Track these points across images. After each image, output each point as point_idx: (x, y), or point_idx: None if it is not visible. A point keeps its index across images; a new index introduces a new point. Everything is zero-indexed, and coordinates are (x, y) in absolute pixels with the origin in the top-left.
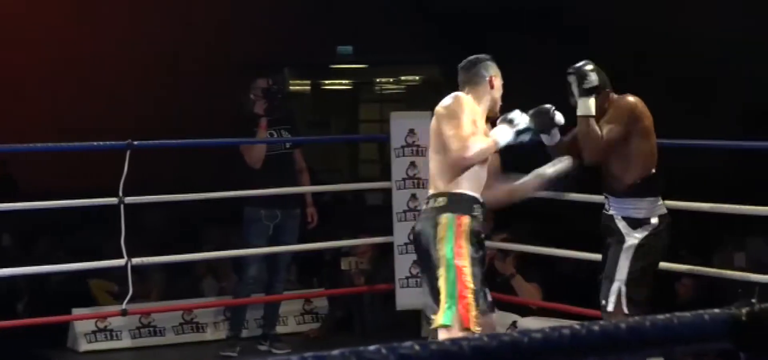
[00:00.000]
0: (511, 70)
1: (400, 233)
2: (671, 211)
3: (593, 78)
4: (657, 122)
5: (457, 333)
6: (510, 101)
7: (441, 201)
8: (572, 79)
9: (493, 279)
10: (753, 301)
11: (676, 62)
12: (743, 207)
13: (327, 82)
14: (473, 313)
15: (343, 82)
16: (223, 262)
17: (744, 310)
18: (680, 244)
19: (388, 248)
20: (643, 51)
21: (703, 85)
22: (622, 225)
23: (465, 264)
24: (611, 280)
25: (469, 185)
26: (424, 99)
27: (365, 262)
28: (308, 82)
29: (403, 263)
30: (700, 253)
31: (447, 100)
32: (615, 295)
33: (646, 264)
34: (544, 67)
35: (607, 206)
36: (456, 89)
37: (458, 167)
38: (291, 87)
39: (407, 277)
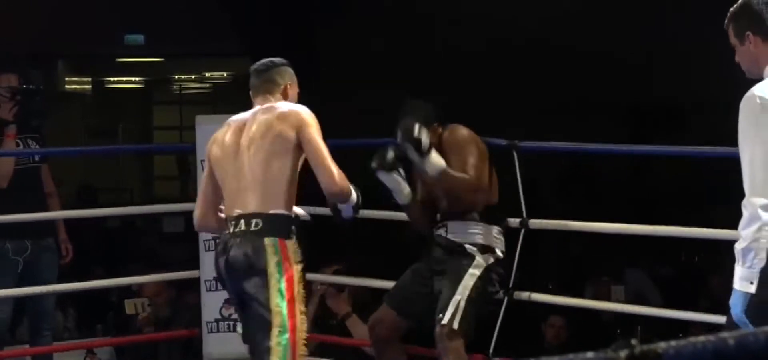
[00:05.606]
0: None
1: (208, 266)
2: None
3: (423, 136)
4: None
5: None
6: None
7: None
8: (406, 148)
9: (325, 321)
10: (633, 341)
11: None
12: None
13: (112, 79)
14: None
15: (133, 79)
16: None
17: (623, 353)
18: (546, 275)
19: (189, 285)
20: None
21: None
22: (470, 248)
23: None
24: (452, 292)
25: None
26: (235, 100)
27: (161, 304)
28: (89, 79)
29: (213, 303)
30: (570, 287)
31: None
32: (453, 308)
33: (485, 291)
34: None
35: (444, 233)
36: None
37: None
38: (66, 86)
39: (217, 321)
